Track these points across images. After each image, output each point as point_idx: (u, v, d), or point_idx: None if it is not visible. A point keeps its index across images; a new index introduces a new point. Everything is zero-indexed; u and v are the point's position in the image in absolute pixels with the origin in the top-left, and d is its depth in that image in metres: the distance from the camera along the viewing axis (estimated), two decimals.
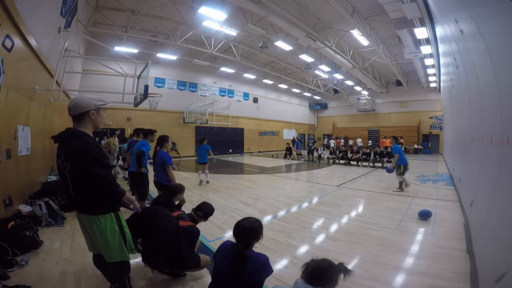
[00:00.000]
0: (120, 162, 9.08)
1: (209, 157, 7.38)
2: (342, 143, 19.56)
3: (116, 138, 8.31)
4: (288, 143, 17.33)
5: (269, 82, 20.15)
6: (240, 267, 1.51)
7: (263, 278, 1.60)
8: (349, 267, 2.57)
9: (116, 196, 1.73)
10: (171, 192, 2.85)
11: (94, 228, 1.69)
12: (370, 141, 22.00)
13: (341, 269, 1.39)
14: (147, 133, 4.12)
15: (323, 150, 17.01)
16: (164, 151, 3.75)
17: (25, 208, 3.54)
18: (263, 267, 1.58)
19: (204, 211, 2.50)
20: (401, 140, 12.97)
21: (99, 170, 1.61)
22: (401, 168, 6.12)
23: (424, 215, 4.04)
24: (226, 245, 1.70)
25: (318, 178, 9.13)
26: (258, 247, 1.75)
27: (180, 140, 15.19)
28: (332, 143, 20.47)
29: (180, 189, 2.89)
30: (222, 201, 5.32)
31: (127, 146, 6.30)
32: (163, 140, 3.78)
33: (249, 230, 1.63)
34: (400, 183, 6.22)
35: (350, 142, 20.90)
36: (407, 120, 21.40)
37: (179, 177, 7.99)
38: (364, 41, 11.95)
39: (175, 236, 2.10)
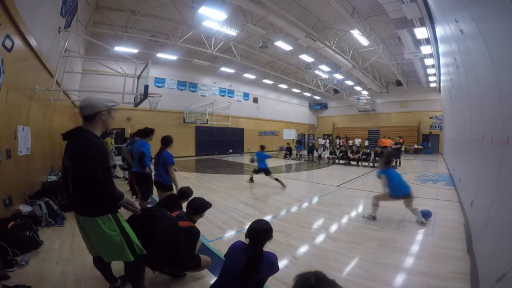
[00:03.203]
0: (120, 162, 9.08)
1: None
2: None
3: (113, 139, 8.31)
4: (288, 143, 17.33)
5: (269, 82, 20.15)
6: (257, 266, 1.60)
7: (270, 276, 1.72)
8: (349, 267, 2.61)
9: (114, 199, 1.74)
10: (182, 195, 2.89)
11: (92, 229, 1.68)
12: (367, 141, 22.12)
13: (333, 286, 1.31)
14: (149, 132, 4.11)
15: (323, 150, 17.06)
16: (168, 151, 3.76)
17: (25, 208, 3.54)
18: (272, 265, 1.69)
19: (193, 206, 2.46)
20: (401, 140, 12.96)
21: (98, 172, 1.60)
22: (260, 170, 7.13)
23: (424, 215, 4.03)
24: (237, 245, 1.78)
25: (318, 178, 9.13)
26: None
27: (180, 140, 15.18)
28: (327, 142, 21.59)
29: (191, 193, 2.95)
30: (222, 201, 5.32)
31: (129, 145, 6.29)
32: (168, 140, 3.79)
33: (264, 232, 1.72)
34: (276, 179, 6.89)
35: (350, 142, 21.06)
36: (407, 120, 21.40)
37: (179, 177, 7.98)
38: (364, 41, 11.95)
39: (174, 237, 2.10)
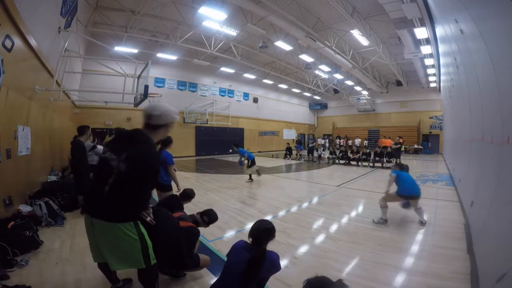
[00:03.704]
0: None
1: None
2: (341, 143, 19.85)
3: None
4: (288, 143, 17.33)
5: (269, 82, 20.15)
6: (260, 265, 1.61)
7: (271, 275, 1.75)
8: (349, 267, 2.62)
9: (143, 209, 1.78)
10: (185, 196, 2.95)
11: (111, 234, 1.61)
12: (366, 142, 22.14)
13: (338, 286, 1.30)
14: None
15: (323, 150, 17.08)
16: (167, 151, 3.77)
17: (25, 208, 3.53)
18: (274, 264, 1.71)
19: (210, 217, 2.59)
20: (401, 140, 12.97)
21: (150, 184, 1.65)
22: (249, 162, 7.72)
23: (405, 205, 4.04)
24: (240, 244, 1.80)
25: (318, 178, 9.13)
26: None
27: (180, 140, 15.18)
28: (327, 142, 21.95)
29: (193, 194, 3.03)
30: (222, 201, 5.32)
31: None
32: (168, 140, 3.80)
33: (267, 231, 1.74)
34: (250, 175, 7.79)
35: (349, 142, 21.11)
36: (407, 120, 21.40)
37: (179, 177, 7.98)
38: (364, 41, 11.95)
39: (175, 237, 2.10)
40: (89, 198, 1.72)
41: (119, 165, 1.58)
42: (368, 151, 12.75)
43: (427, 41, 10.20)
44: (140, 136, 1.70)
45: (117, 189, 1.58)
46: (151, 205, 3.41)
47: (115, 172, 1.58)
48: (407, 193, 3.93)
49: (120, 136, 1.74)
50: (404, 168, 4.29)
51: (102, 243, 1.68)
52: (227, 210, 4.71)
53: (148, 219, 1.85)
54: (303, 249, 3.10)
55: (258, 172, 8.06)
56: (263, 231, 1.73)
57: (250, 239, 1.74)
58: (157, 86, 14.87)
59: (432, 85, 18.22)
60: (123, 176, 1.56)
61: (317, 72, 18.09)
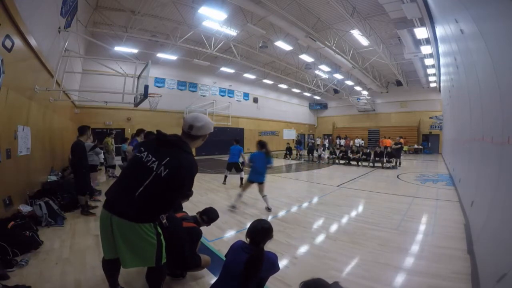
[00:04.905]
0: (120, 162, 9.12)
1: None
2: (342, 143, 19.80)
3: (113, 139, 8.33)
4: (288, 143, 17.33)
5: (269, 82, 20.13)
6: (259, 265, 1.60)
7: (270, 275, 1.73)
8: (349, 267, 2.61)
9: (164, 213, 1.83)
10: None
11: (132, 233, 1.62)
12: (362, 141, 22.08)
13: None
14: (145, 133, 4.17)
15: (323, 150, 17.08)
16: None
17: (25, 208, 3.53)
18: (273, 265, 1.70)
19: (210, 216, 2.58)
20: (401, 140, 12.97)
21: (184, 192, 1.71)
22: (231, 165, 7.27)
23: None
24: (238, 244, 1.78)
25: (318, 178, 9.13)
26: None
27: None
28: (327, 142, 22.18)
29: (191, 193, 2.98)
30: (222, 201, 5.32)
31: (132, 146, 6.24)
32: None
33: (265, 231, 1.74)
34: (225, 177, 7.39)
35: (350, 142, 21.10)
36: (407, 120, 21.40)
37: None
38: (364, 41, 11.95)
39: (179, 237, 2.10)
40: (115, 196, 1.69)
41: (160, 169, 1.61)
42: (368, 151, 12.76)
43: (427, 41, 10.20)
44: (182, 144, 1.73)
45: (151, 191, 1.60)
46: None
47: (154, 175, 1.61)
48: (252, 179, 4.79)
49: (160, 139, 1.73)
50: (263, 147, 4.97)
51: (120, 241, 1.66)
52: (227, 210, 4.71)
53: (164, 221, 1.87)
54: (303, 249, 3.10)
55: (224, 179, 7.39)
56: (261, 230, 1.72)
57: (248, 239, 1.74)
58: (157, 86, 14.87)
59: (432, 85, 18.21)
60: (161, 180, 1.60)
61: (317, 72, 18.08)
